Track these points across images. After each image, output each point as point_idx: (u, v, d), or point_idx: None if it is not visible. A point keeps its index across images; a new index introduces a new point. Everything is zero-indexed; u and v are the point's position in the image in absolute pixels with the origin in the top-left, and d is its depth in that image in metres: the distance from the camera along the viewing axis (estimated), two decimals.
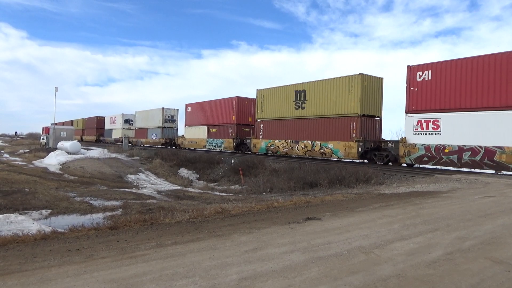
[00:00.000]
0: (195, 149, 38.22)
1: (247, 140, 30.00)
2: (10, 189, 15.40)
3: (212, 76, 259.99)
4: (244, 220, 6.57)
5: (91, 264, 4.06)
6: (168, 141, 44.29)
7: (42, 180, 18.83)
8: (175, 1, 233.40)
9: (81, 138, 70.58)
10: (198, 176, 25.33)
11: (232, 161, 24.81)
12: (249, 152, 29.82)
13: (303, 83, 24.88)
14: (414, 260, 4.16)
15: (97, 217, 11.01)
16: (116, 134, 57.24)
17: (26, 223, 8.34)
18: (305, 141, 24.09)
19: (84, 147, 37.65)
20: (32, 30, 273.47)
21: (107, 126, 62.10)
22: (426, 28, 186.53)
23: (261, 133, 28.02)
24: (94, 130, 66.07)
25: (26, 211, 11.60)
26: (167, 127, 45.49)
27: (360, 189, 12.62)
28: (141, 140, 50.68)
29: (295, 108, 25.17)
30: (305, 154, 24.27)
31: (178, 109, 46.48)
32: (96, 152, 34.20)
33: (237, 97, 31.39)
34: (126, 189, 18.37)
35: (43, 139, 46.78)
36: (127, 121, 56.16)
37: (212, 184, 22.45)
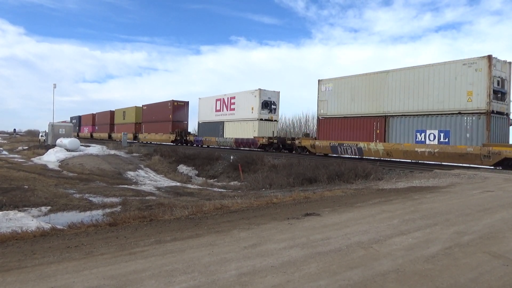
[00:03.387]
0: None
1: None
2: (9, 186, 15.38)
3: (211, 72, 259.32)
4: (243, 216, 6.57)
5: (90, 260, 4.06)
6: None
7: (41, 177, 18.81)
8: None
9: (135, 137, 46.06)
10: (197, 172, 25.33)
11: (231, 157, 24.81)
12: None
13: None
14: (413, 255, 4.17)
15: (96, 214, 11.01)
16: (242, 131, 30.45)
17: (25, 220, 8.34)
18: None
19: (83, 144, 37.53)
20: (29, 26, 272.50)
21: (204, 116, 36.19)
22: (426, 22, 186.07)
23: None
24: (167, 125, 39.28)
25: (25, 208, 11.60)
26: (497, 115, 16.61)
27: (359, 184, 12.62)
28: (360, 145, 20.39)
29: None
30: None
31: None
32: (95, 149, 34.16)
33: None
34: (125, 186, 18.37)
35: (41, 136, 46.67)
36: (266, 105, 29.40)
37: (211, 180, 22.46)
